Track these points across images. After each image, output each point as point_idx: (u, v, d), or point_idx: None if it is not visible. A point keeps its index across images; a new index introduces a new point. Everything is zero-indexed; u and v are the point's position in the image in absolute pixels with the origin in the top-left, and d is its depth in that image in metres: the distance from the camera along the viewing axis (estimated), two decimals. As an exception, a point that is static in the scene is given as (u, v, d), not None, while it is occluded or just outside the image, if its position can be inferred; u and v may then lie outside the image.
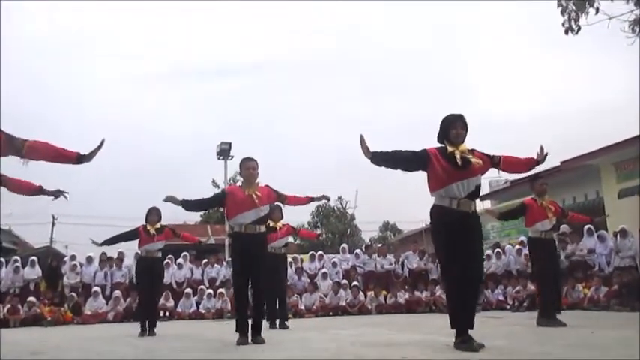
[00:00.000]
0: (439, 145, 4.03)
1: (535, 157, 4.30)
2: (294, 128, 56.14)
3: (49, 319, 10.44)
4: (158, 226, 7.11)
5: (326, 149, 53.47)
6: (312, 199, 5.97)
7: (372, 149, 3.87)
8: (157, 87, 56.34)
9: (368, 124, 51.75)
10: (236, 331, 4.93)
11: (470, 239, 3.85)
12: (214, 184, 33.37)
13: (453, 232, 3.80)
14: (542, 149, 4.34)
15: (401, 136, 50.34)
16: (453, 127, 3.95)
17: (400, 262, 12.81)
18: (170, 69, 57.96)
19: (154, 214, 7.12)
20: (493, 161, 4.12)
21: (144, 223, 7.11)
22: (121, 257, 12.37)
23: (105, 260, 12.27)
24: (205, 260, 12.94)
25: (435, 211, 3.94)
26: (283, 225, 7.50)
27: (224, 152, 20.10)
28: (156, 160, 50.96)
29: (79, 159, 3.73)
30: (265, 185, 5.27)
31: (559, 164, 15.46)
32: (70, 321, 10.67)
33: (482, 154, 4.09)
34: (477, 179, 3.98)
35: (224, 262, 13.21)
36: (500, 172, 4.42)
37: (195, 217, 34.24)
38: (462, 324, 3.76)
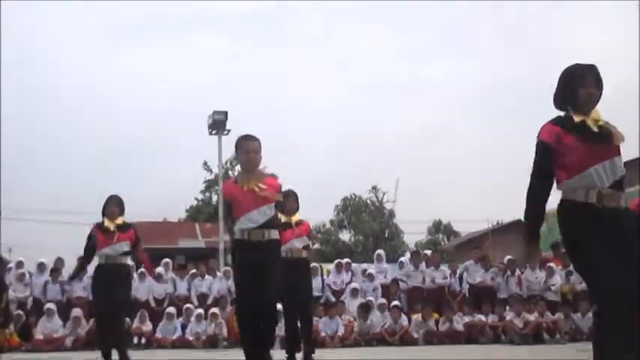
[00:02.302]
0: (559, 114, 3.70)
1: None
2: (314, 95, 56.10)
3: (-11, 345, 10.68)
4: (120, 221, 7.09)
5: (356, 122, 53.35)
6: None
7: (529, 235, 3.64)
8: (129, 42, 56.61)
9: (405, 90, 51.35)
10: None
11: (622, 244, 3.41)
12: (206, 166, 33.59)
13: (598, 237, 3.42)
14: None
15: (463, 106, 49.97)
16: (582, 84, 3.58)
17: (457, 275, 12.80)
18: (146, 18, 58.09)
19: (113, 204, 7.08)
20: None
21: (99, 221, 7.12)
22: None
23: (61, 269, 12.46)
24: (193, 270, 13.06)
25: (567, 209, 3.58)
26: (301, 221, 7.27)
27: (218, 125, 20.10)
28: (129, 138, 51.43)
29: None
30: (277, 181, 5.33)
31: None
32: (16, 347, 10.91)
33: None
34: (620, 161, 3.58)
35: (218, 273, 13.34)
36: None
37: (179, 214, 34.67)
38: None
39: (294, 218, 7.19)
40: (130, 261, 7.38)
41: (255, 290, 5.03)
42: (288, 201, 6.89)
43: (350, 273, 13.02)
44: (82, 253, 8.20)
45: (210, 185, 34.04)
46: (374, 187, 37.69)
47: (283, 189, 5.75)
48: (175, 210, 36.19)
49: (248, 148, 5.09)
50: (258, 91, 51.71)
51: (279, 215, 6.36)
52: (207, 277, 12.92)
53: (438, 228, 40.17)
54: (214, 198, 32.09)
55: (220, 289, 12.61)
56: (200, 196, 35.22)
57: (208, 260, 15.20)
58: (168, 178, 48.60)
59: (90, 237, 7.15)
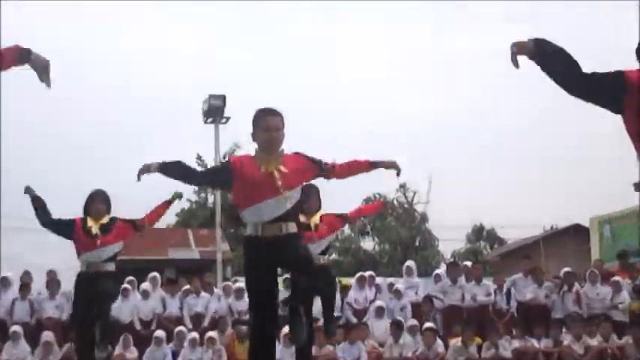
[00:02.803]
0: None
1: None
2: (334, 81, 56.22)
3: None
4: (105, 220, 7.16)
5: (382, 107, 53.37)
6: (375, 166, 5.54)
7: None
8: (108, 14, 57.02)
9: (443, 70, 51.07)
10: None
11: None
12: (200, 160, 33.64)
13: None
14: None
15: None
16: None
17: (504, 292, 12.76)
18: None
19: (99, 200, 7.16)
20: None
21: (82, 216, 7.18)
22: (53, 278, 12.59)
23: (30, 284, 12.53)
24: (186, 286, 13.09)
25: None
26: (322, 219, 7.20)
27: (214, 111, 20.21)
28: (110, 127, 51.67)
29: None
30: (294, 153, 5.17)
31: None
32: (-24, 378, 10.99)
33: None
34: None
35: (216, 289, 13.34)
36: None
37: (168, 219, 34.74)
38: None
39: (315, 219, 7.13)
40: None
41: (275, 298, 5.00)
42: (309, 198, 6.82)
43: (374, 289, 13.01)
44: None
45: (205, 184, 34.15)
46: (402, 186, 37.56)
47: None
48: (165, 216, 36.31)
49: (269, 124, 4.96)
50: (264, 73, 51.81)
51: (300, 215, 6.36)
52: (202, 294, 12.93)
53: (480, 234, 39.93)
54: (210, 199, 32.09)
55: (219, 309, 12.63)
56: (193, 198, 35.21)
57: (204, 274, 15.22)
58: (155, 175, 48.67)
59: (68, 224, 7.14)
